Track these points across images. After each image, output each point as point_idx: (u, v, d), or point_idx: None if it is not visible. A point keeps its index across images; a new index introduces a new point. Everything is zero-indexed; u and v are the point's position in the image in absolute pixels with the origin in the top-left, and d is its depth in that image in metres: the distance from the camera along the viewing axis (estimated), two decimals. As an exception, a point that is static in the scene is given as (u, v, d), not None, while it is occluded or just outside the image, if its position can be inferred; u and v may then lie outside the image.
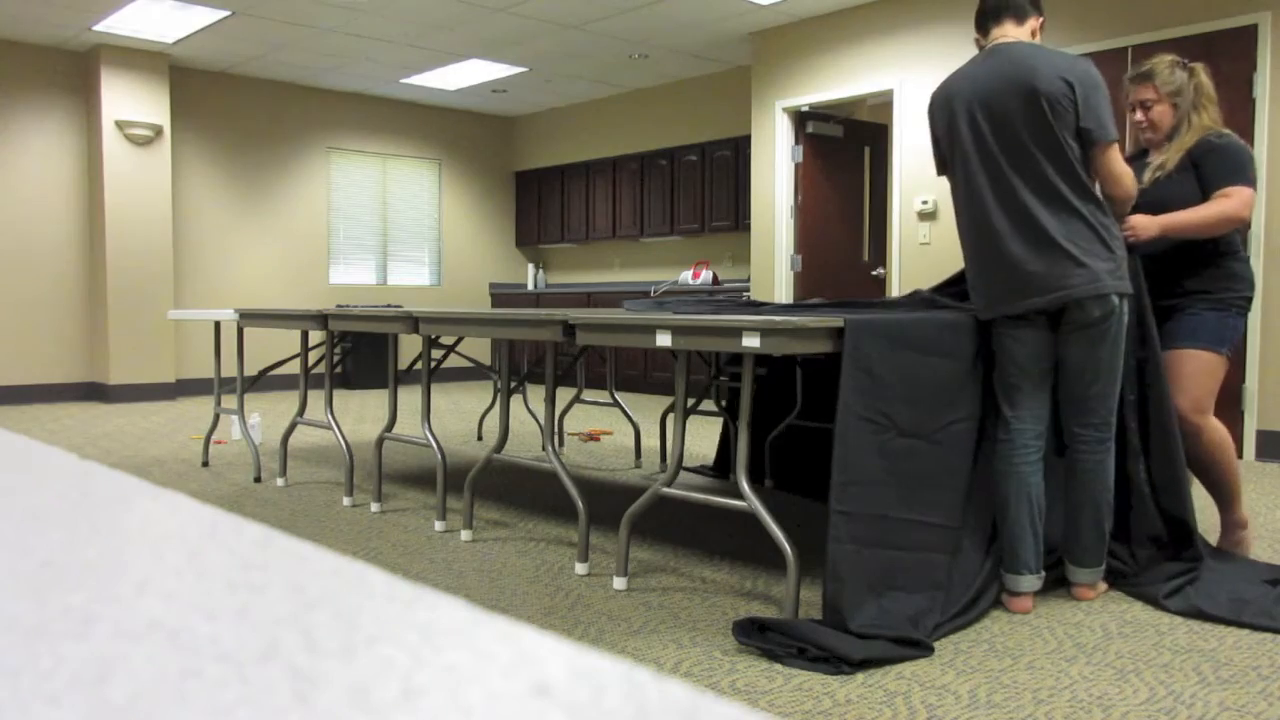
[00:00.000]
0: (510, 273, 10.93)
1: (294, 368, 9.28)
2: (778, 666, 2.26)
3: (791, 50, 7.23)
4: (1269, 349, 5.12)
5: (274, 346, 9.23)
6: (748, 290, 7.79)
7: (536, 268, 10.66)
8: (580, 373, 5.61)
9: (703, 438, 6.07)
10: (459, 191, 10.49)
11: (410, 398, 8.29)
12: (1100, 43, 5.64)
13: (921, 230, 6.53)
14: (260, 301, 9.15)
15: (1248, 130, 5.12)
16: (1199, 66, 3.13)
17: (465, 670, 0.29)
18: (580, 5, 6.74)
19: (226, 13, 6.95)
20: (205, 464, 4.96)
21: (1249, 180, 2.97)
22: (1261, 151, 5.10)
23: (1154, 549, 2.90)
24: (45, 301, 8.01)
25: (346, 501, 4.07)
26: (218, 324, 4.84)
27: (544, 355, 3.67)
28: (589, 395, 8.72)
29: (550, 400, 3.25)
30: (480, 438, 6.03)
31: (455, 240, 10.47)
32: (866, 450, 2.48)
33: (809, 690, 2.12)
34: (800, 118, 7.26)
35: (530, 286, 10.64)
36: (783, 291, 7.25)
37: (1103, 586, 2.82)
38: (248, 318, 4.47)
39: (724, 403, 4.73)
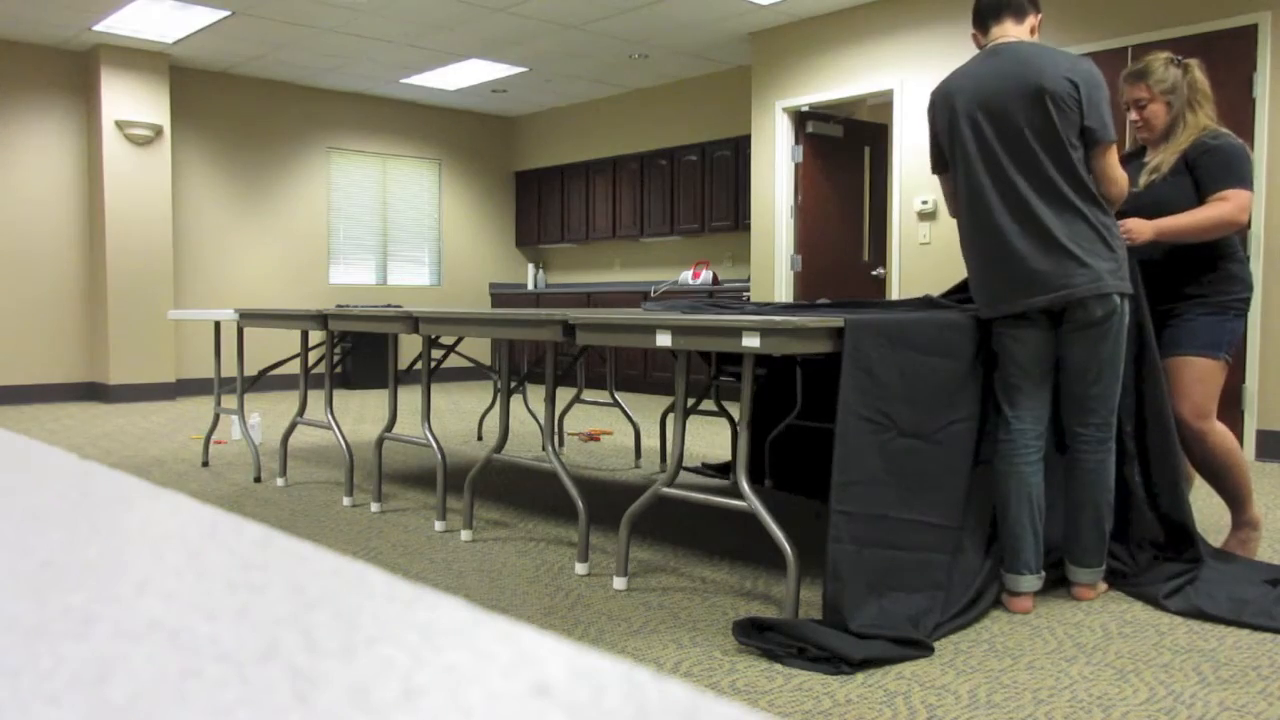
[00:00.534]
0: (510, 273, 10.93)
1: (294, 368, 9.28)
2: (778, 666, 2.26)
3: (791, 50, 7.23)
4: (1269, 349, 5.13)
5: (274, 346, 9.23)
6: (747, 291, 7.78)
7: (536, 268, 10.66)
8: (580, 373, 5.61)
9: (703, 438, 6.07)
10: (459, 191, 10.49)
11: (410, 398, 8.29)
12: (1100, 42, 5.64)
13: (921, 230, 6.53)
14: (260, 301, 9.15)
15: (1248, 130, 5.12)
16: (1193, 63, 3.09)
17: (465, 670, 0.29)
18: (580, 5, 6.74)
19: (226, 13, 6.95)
20: (205, 464, 4.96)
21: (1246, 183, 2.93)
22: (1261, 152, 5.10)
23: (1153, 551, 2.90)
24: (45, 301, 8.01)
25: (346, 501, 4.07)
26: (218, 324, 4.84)
27: (544, 355, 3.67)
28: (589, 395, 8.72)
29: (550, 400, 3.24)
30: (480, 438, 6.03)
31: (455, 240, 10.47)
32: (867, 450, 2.48)
33: (809, 690, 2.12)
34: (800, 118, 7.26)
35: (530, 286, 10.64)
36: (783, 291, 7.25)
37: (1103, 587, 2.82)
38: (248, 318, 4.47)
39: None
